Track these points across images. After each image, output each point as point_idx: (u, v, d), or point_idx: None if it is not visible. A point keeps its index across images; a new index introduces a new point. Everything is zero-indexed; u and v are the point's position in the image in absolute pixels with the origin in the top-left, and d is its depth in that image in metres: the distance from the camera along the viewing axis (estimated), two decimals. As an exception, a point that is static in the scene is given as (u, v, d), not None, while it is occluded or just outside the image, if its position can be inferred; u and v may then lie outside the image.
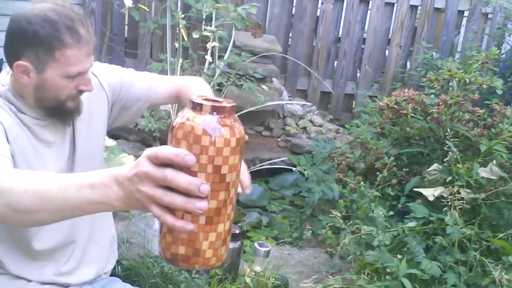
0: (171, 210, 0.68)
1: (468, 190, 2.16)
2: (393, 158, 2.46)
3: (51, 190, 0.78)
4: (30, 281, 1.39)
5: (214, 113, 0.69)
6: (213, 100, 0.73)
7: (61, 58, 1.21)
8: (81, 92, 1.30)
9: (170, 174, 0.66)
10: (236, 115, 0.74)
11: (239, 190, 0.82)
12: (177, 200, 0.66)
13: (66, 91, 1.27)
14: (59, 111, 1.31)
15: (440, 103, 2.47)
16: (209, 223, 0.70)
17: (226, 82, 3.24)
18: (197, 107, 0.70)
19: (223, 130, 0.69)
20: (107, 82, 1.49)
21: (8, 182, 0.84)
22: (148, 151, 0.68)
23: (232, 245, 2.34)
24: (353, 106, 4.53)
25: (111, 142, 2.63)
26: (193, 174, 0.67)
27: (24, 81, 1.24)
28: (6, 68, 1.30)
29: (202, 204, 0.66)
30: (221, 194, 0.70)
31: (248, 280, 2.16)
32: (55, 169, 1.34)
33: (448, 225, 2.02)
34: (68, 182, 0.77)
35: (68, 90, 1.27)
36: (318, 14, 4.45)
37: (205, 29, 3.20)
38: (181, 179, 0.65)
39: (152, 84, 1.54)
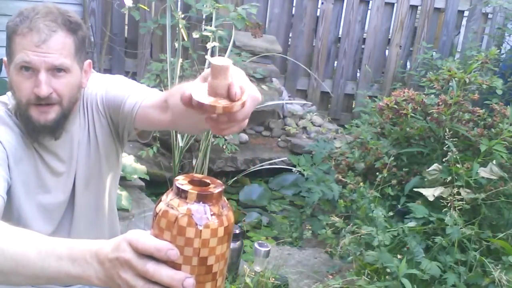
0: None
1: (468, 190, 2.16)
2: (393, 158, 2.46)
3: (30, 256, 0.74)
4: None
5: (200, 201, 0.64)
6: (199, 181, 0.68)
7: (13, 47, 1.14)
8: (38, 97, 1.13)
9: (151, 269, 0.63)
10: (224, 199, 0.68)
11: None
12: None
13: (24, 92, 1.14)
14: (25, 122, 1.18)
15: (440, 103, 2.47)
16: None
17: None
18: (182, 193, 0.65)
19: (210, 220, 0.64)
20: (102, 97, 1.31)
21: None
22: (130, 236, 0.65)
23: (232, 245, 2.33)
24: (353, 106, 4.53)
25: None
26: (177, 266, 0.63)
27: (8, 82, 1.20)
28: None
29: None
30: (208, 285, 0.66)
31: (248, 280, 2.16)
32: (57, 199, 1.30)
33: (448, 225, 2.02)
34: (48, 248, 0.73)
35: (26, 92, 1.14)
36: (318, 14, 4.45)
37: (205, 29, 3.20)
38: (163, 274, 0.62)
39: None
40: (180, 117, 1.09)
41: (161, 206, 0.66)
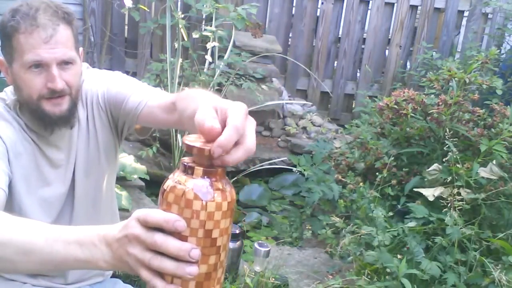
0: (160, 273, 0.67)
1: (468, 190, 2.16)
2: (393, 158, 2.46)
3: (37, 243, 0.75)
4: (24, 283, 1.35)
5: (206, 177, 0.68)
6: None
7: (17, 46, 1.14)
8: (53, 91, 1.17)
9: (160, 240, 0.65)
10: (226, 177, 0.72)
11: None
12: (167, 265, 0.65)
13: (35, 88, 1.16)
14: (40, 117, 1.20)
15: (440, 103, 2.47)
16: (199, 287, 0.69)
17: (226, 82, 3.24)
18: (188, 170, 0.69)
19: (215, 194, 0.68)
20: (103, 93, 1.33)
21: None
22: (138, 213, 0.67)
23: (232, 245, 2.34)
24: (353, 106, 4.53)
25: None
26: (183, 238, 0.66)
27: (7, 80, 1.21)
28: None
29: (193, 269, 0.65)
30: (212, 258, 0.69)
31: (248, 280, 2.16)
32: (58, 191, 1.31)
33: (448, 225, 2.02)
34: (55, 235, 0.75)
35: (37, 87, 1.16)
36: (318, 14, 4.45)
37: (205, 29, 3.20)
38: (171, 245, 0.65)
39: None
40: (189, 120, 1.07)
41: (169, 182, 0.70)
